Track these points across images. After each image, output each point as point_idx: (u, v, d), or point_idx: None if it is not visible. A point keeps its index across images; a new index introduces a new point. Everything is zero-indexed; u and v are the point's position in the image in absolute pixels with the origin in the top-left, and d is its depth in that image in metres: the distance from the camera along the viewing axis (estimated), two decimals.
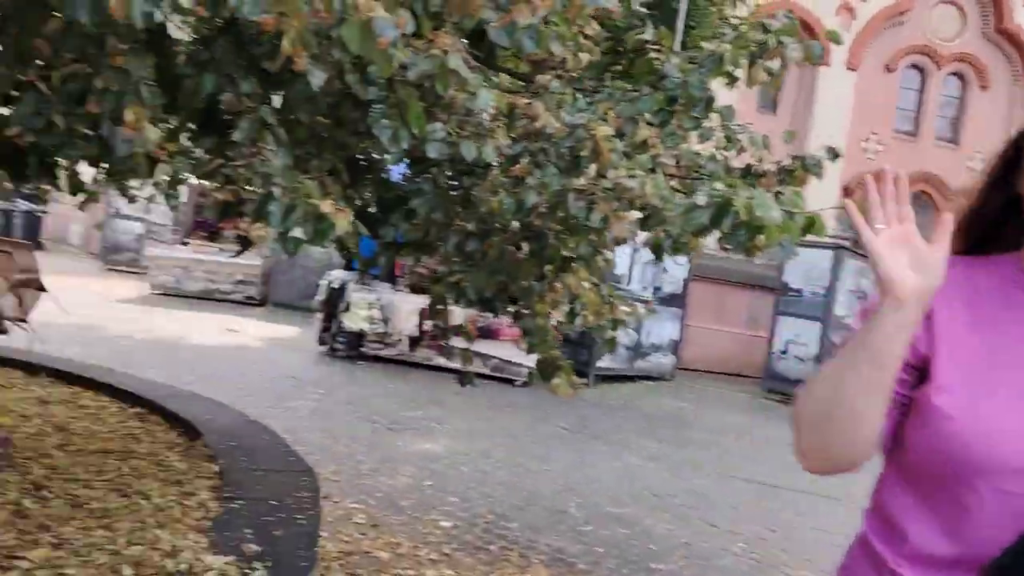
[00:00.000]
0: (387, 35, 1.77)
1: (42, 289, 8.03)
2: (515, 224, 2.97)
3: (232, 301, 12.91)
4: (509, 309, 3.26)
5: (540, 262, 2.96)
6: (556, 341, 3.16)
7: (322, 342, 9.75)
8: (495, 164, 2.88)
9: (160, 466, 3.62)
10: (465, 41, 2.63)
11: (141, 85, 2.08)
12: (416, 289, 9.84)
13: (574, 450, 7.06)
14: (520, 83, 3.45)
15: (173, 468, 3.59)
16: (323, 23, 1.85)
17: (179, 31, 2.89)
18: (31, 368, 5.19)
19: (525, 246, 2.96)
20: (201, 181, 5.33)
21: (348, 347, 9.53)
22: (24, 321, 7.69)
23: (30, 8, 2.14)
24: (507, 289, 3.28)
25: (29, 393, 4.70)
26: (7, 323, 7.49)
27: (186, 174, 4.76)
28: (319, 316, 9.79)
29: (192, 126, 3.06)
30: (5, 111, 2.78)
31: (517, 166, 2.73)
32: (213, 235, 14.35)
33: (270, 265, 12.88)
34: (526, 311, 3.11)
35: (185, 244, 13.71)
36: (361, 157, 3.57)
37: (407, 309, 9.55)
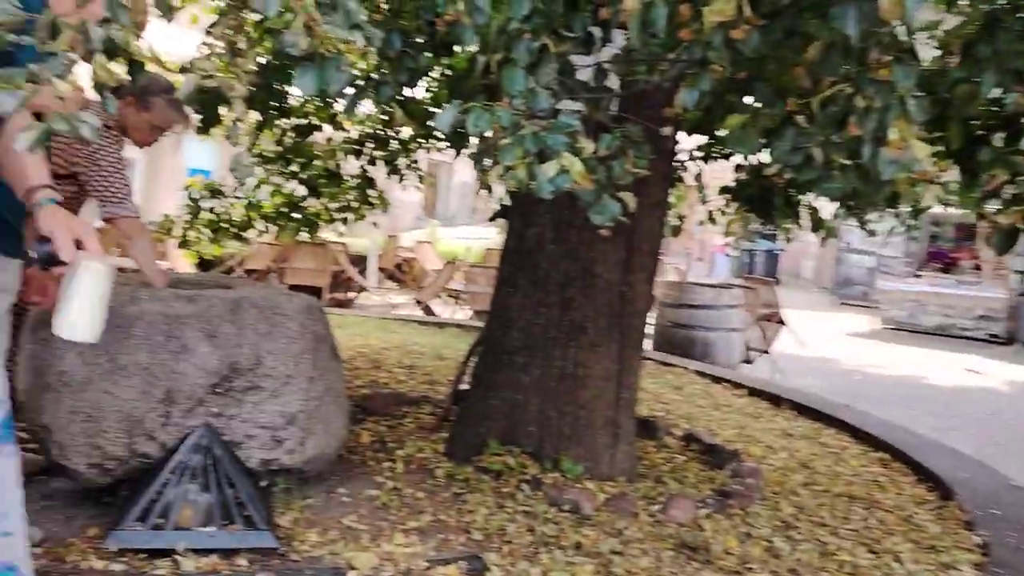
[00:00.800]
0: None
1: (782, 323, 8.55)
2: None
3: (972, 338, 11.67)
4: None
5: None
6: None
7: None
8: None
9: (909, 524, 3.25)
10: None
11: (907, 97, 1.82)
12: None
13: None
14: None
15: (925, 530, 3.18)
16: None
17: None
18: (775, 399, 5.40)
19: None
20: (945, 208, 4.84)
21: None
22: (766, 352, 8.26)
23: (786, 41, 2.08)
24: None
25: (774, 424, 4.85)
26: (752, 353, 8.15)
27: (931, 201, 4.35)
28: None
29: (942, 142, 2.66)
30: (764, 156, 2.84)
31: None
32: (948, 266, 13.30)
33: (1020, 299, 11.23)
34: None
35: (918, 276, 13.01)
36: None
37: None
